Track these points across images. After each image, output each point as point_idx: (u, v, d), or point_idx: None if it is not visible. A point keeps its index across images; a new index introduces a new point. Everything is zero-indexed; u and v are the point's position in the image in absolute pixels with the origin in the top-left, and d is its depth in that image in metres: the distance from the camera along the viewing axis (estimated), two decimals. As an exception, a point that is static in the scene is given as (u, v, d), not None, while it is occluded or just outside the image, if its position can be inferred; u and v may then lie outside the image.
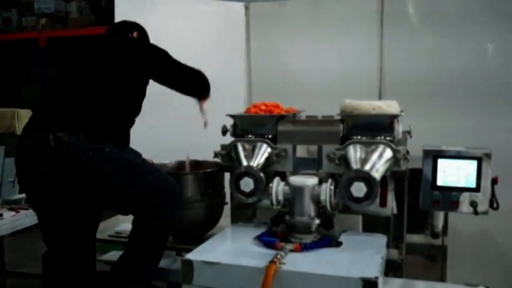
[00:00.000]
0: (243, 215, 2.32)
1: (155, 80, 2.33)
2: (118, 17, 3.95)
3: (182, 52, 3.63)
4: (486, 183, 2.01)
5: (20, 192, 3.15)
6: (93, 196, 2.11)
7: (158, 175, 2.18)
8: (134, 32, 2.49)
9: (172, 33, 3.74)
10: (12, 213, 3.18)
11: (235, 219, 2.34)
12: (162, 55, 2.33)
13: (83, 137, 2.02)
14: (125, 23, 2.53)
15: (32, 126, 2.15)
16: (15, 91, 6.84)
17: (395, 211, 2.14)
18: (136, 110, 2.32)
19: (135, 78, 2.25)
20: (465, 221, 2.57)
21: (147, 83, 2.32)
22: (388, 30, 3.22)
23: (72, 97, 2.15)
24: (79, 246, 2.26)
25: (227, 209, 2.48)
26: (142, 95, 2.32)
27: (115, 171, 2.05)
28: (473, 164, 2.03)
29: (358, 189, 1.85)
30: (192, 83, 2.43)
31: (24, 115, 5.50)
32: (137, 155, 2.23)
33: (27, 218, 3.14)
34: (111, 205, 2.22)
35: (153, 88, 2.44)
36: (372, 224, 2.13)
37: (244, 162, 2.09)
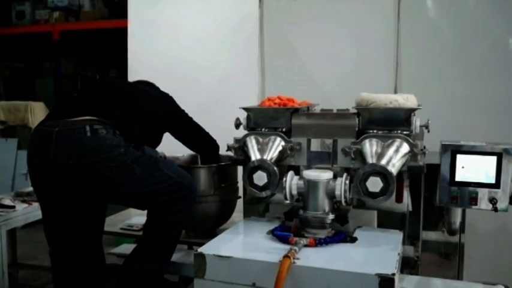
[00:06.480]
0: (255, 209, 2.29)
1: (172, 132, 2.46)
2: (131, 11, 3.96)
3: (196, 45, 3.66)
4: (506, 180, 1.97)
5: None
6: (116, 192, 2.07)
7: (176, 170, 2.19)
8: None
9: (186, 27, 3.73)
10: (25, 205, 3.19)
11: (248, 214, 2.32)
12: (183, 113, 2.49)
13: (118, 134, 2.03)
14: (144, 81, 2.60)
15: (58, 116, 2.09)
16: (28, 84, 6.88)
17: (410, 207, 2.10)
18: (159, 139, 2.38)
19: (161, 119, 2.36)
20: (483, 218, 2.52)
21: (164, 131, 2.40)
22: (405, 22, 3.13)
23: (113, 102, 2.19)
24: (86, 242, 2.23)
25: (239, 204, 2.46)
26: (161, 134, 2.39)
27: (141, 167, 2.04)
28: (493, 159, 1.99)
29: (374, 184, 1.81)
30: (206, 148, 2.62)
31: (37, 108, 5.54)
32: (155, 150, 2.25)
33: (40, 210, 3.12)
34: (131, 201, 2.19)
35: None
36: (387, 220, 2.10)
37: (258, 156, 2.05)
